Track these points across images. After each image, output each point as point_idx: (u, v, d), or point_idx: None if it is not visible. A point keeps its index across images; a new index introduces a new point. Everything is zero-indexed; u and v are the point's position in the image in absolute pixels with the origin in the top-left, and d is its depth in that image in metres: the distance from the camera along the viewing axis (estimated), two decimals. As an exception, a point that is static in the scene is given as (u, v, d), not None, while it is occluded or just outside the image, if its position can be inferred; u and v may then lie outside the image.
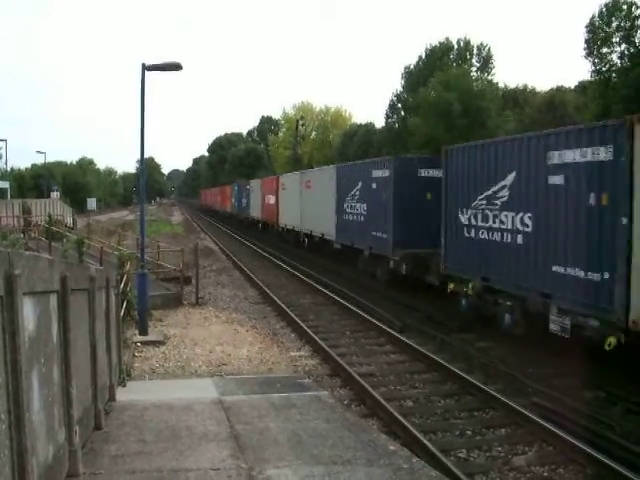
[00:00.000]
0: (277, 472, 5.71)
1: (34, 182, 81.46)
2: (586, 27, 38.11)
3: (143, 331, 13.71)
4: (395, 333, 14.18)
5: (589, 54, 38.25)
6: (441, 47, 55.98)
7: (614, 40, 37.61)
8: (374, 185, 21.10)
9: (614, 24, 37.36)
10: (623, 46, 37.35)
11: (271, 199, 39.21)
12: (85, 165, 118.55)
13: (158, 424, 7.18)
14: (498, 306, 13.56)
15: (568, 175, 11.24)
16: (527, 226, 12.50)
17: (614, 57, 37.94)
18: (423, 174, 19.30)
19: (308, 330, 14.45)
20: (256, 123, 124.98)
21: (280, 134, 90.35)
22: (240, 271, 26.43)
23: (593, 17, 37.75)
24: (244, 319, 16.52)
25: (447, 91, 47.15)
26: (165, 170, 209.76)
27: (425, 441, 7.91)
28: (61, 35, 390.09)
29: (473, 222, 14.56)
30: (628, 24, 36.70)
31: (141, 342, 13.09)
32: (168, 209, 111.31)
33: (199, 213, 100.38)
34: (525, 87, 61.70)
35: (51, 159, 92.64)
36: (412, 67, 57.15)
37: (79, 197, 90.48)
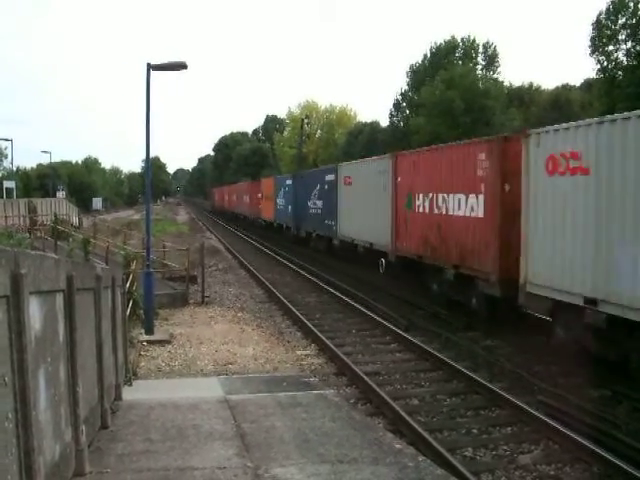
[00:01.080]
0: (283, 471, 5.71)
1: (40, 182, 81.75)
2: (592, 25, 37.97)
3: (149, 330, 13.74)
4: (400, 331, 14.17)
5: (594, 51, 38.12)
6: (446, 45, 55.96)
7: (620, 38, 37.45)
8: None
9: (620, 21, 37.20)
10: (629, 44, 37.19)
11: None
12: (90, 164, 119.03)
13: (164, 423, 7.20)
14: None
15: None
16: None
17: (620, 55, 37.79)
18: None
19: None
20: (261, 122, 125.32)
21: (285, 133, 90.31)
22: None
23: (600, 14, 37.60)
24: (250, 318, 16.54)
25: (450, 89, 47.11)
26: (170, 169, 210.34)
27: (431, 440, 7.90)
28: (66, 35, 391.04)
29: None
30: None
31: (147, 341, 13.12)
32: (174, 208, 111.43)
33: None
34: (530, 85, 61.65)
35: (56, 159, 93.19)
36: (417, 65, 57.15)
37: (85, 196, 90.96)
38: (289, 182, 36.66)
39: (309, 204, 31.17)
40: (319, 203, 29.54)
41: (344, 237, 25.23)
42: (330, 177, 27.48)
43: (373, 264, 21.83)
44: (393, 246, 19.58)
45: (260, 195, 46.57)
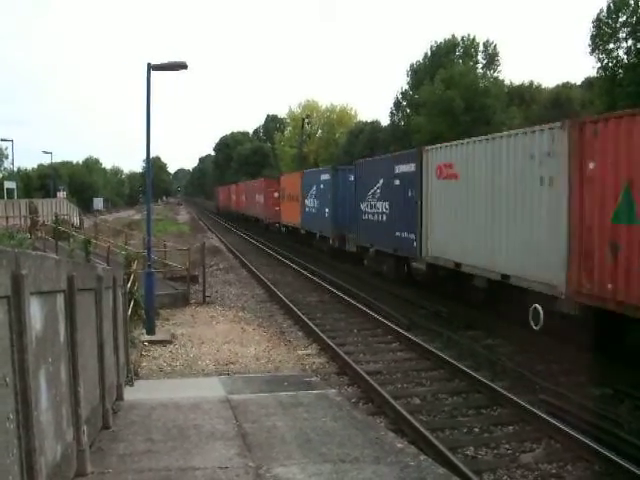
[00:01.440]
0: (285, 470, 5.71)
1: (40, 182, 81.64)
2: (592, 23, 37.89)
3: (150, 330, 13.74)
4: (402, 330, 14.16)
5: (594, 50, 38.04)
6: (446, 44, 55.90)
7: (621, 36, 37.38)
8: None
9: (621, 19, 37.12)
10: (630, 42, 37.10)
11: None
12: (91, 165, 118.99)
13: (166, 423, 7.19)
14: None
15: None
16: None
17: (620, 53, 37.71)
18: None
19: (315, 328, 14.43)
20: (262, 122, 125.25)
21: (286, 132, 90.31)
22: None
23: (600, 12, 37.52)
24: (251, 318, 16.54)
25: (449, 88, 47.11)
26: (171, 169, 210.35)
27: (432, 439, 7.90)
28: (66, 35, 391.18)
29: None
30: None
31: (148, 341, 13.12)
32: (175, 208, 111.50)
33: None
34: (531, 83, 61.50)
35: (57, 159, 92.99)
36: (417, 64, 57.14)
37: (85, 197, 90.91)
38: (326, 177, 28.47)
39: (363, 207, 23.01)
40: (382, 206, 21.20)
41: (437, 259, 16.88)
42: (404, 168, 19.30)
43: (509, 310, 13.79)
44: (571, 286, 11.14)
45: (278, 195, 39.79)
